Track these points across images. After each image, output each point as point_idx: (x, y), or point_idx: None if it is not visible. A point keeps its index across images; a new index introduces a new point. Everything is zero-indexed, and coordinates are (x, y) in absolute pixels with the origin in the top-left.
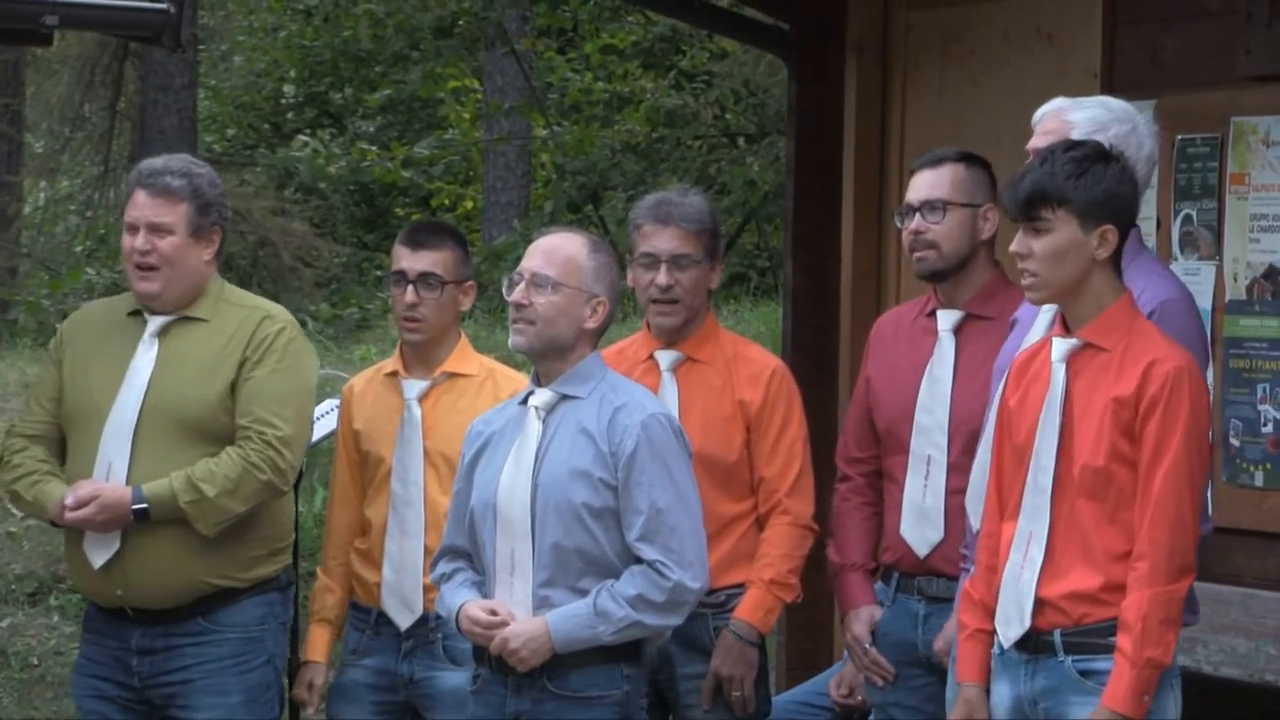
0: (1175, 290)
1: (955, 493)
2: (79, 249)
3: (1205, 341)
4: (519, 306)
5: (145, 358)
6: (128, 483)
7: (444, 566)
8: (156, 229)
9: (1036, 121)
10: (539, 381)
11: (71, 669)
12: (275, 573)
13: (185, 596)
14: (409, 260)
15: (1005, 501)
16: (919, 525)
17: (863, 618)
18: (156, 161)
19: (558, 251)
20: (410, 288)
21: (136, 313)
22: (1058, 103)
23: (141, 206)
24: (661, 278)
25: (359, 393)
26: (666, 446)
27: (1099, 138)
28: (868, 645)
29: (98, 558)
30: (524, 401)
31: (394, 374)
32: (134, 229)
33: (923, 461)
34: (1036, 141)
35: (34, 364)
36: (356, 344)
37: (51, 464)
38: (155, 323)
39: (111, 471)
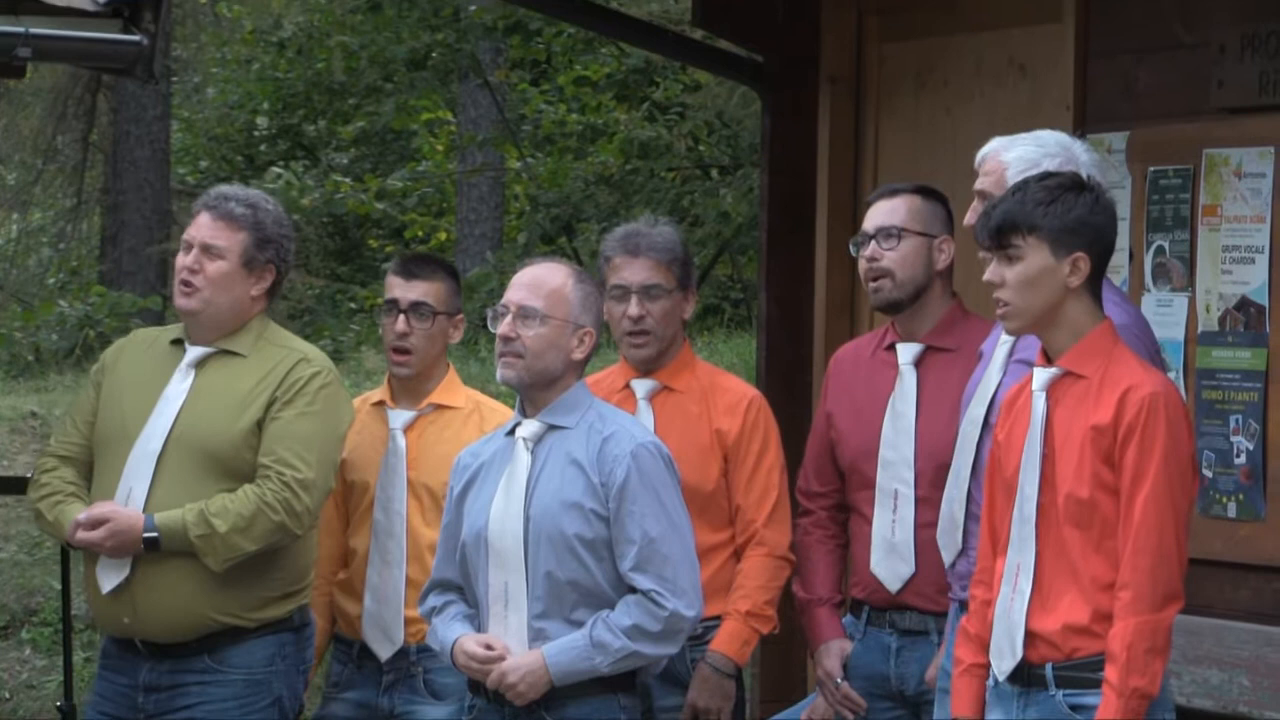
0: (1127, 316)
1: (924, 526)
2: (51, 281)
3: (1162, 363)
4: (506, 340)
5: (179, 387)
6: (146, 510)
7: (434, 600)
8: (209, 250)
9: (978, 164)
10: (525, 412)
11: (44, 703)
12: (287, 614)
13: (191, 631)
14: (402, 289)
15: (997, 536)
16: (889, 560)
17: (833, 652)
18: (227, 188)
19: (543, 283)
20: (402, 317)
21: (179, 342)
22: (994, 144)
23: (201, 226)
24: (633, 309)
25: None
26: (657, 475)
27: (1031, 175)
28: (839, 680)
29: (107, 582)
30: (511, 432)
31: (381, 403)
32: (188, 247)
33: (890, 497)
34: (979, 184)
35: (6, 395)
36: None
37: (78, 486)
38: (193, 353)
39: (131, 497)
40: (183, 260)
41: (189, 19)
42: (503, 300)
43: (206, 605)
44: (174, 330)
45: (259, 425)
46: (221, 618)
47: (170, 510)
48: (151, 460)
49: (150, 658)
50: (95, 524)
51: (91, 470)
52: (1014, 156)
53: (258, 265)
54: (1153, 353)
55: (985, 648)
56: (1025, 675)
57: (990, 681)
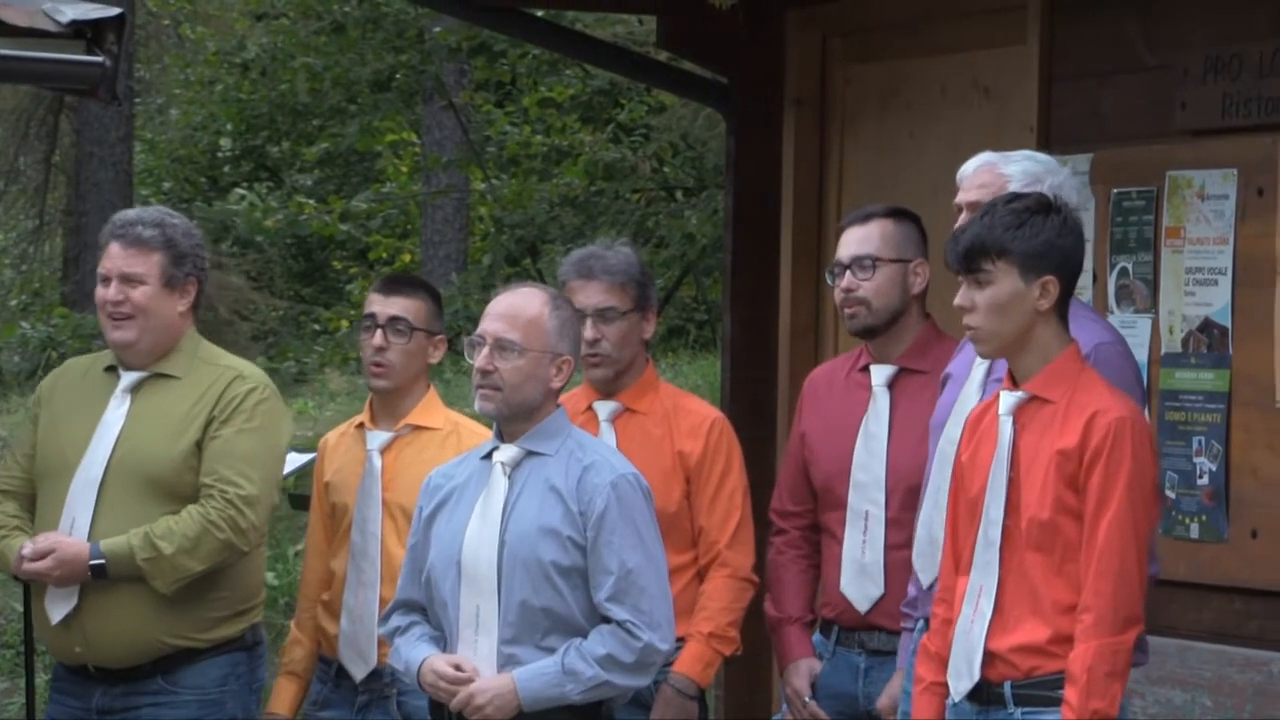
0: (1108, 333)
1: (895, 548)
2: (14, 303)
3: (1142, 383)
4: (484, 373)
5: (116, 414)
6: (90, 538)
7: (398, 620)
8: (128, 279)
9: (964, 176)
10: (502, 436)
11: None
12: (239, 633)
13: (144, 655)
14: (380, 305)
15: (960, 555)
16: (859, 581)
17: (802, 671)
18: (130, 213)
19: (519, 313)
20: (379, 332)
21: (113, 368)
22: (987, 157)
23: (114, 257)
24: (588, 332)
25: (332, 446)
26: (636, 507)
27: (1035, 189)
28: (807, 699)
29: (56, 613)
30: (487, 456)
31: (362, 426)
32: (106, 280)
33: (861, 518)
34: (970, 195)
35: None
36: (293, 398)
37: (22, 519)
38: (128, 379)
39: (75, 527)
40: (104, 294)
41: (152, 40)
42: (479, 330)
43: (157, 629)
44: (106, 357)
45: (198, 446)
46: (173, 640)
47: (116, 536)
48: (93, 488)
49: (103, 682)
50: (40, 555)
51: (34, 503)
52: (1017, 170)
53: (179, 282)
54: (1136, 372)
55: (945, 666)
56: (984, 694)
57: (949, 701)
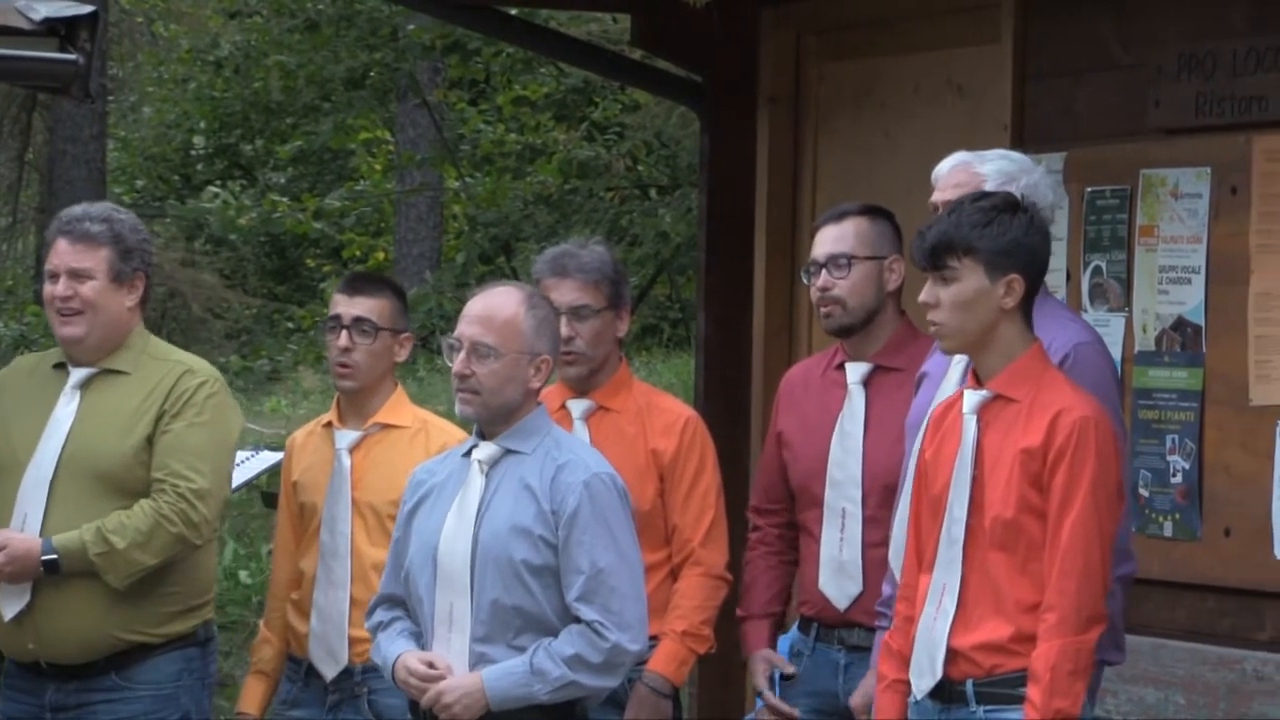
0: (1086, 333)
1: (872, 545)
2: None
3: (1119, 382)
4: (462, 377)
5: (66, 410)
6: (42, 535)
7: (381, 615)
8: (76, 274)
9: (939, 176)
10: (483, 435)
11: None
12: (192, 628)
13: (97, 651)
14: (345, 306)
15: (923, 553)
16: (837, 579)
17: (758, 662)
18: (76, 209)
19: (495, 315)
20: (344, 332)
21: (62, 365)
22: (962, 156)
23: (62, 253)
24: (562, 330)
25: (300, 445)
26: (609, 506)
27: (1009, 188)
28: (765, 690)
29: (8, 609)
30: (467, 454)
31: (330, 425)
32: (54, 276)
33: (838, 515)
34: (945, 195)
35: None
36: (267, 396)
37: None
38: (77, 375)
39: (26, 523)
40: (53, 290)
41: (126, 38)
42: (455, 333)
43: (111, 624)
44: (55, 354)
45: (149, 441)
46: (127, 636)
47: (68, 532)
48: (44, 485)
49: (55, 678)
50: None
51: None
52: (992, 169)
53: (126, 276)
54: (1114, 372)
55: (908, 664)
56: (946, 692)
57: (911, 699)
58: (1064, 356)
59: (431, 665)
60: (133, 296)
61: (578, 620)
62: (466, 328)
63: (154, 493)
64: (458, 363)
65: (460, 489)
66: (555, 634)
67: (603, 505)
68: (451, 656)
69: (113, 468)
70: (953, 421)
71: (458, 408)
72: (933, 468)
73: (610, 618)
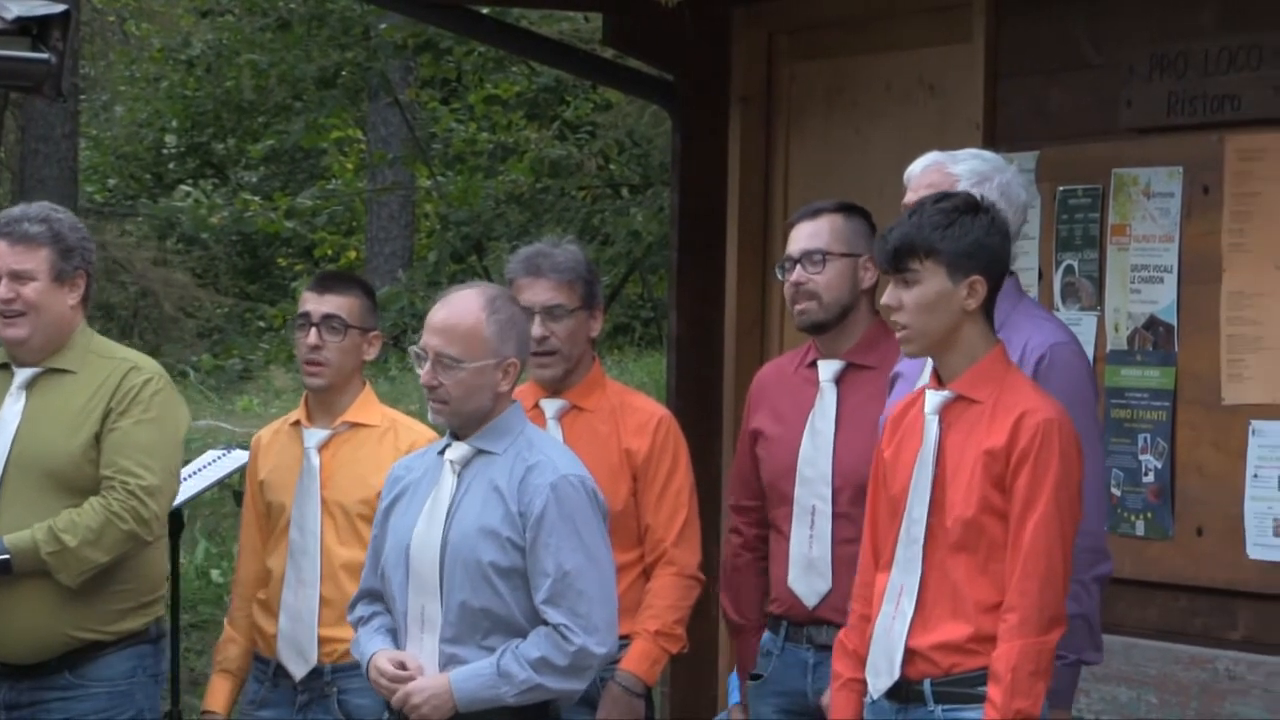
0: (1063, 333)
1: (842, 543)
2: None
3: (1095, 382)
4: (430, 388)
5: (12, 411)
6: None
7: (362, 609)
8: (18, 276)
9: (912, 177)
10: (456, 435)
11: None
12: (144, 626)
13: (50, 650)
14: (314, 303)
15: (879, 553)
16: (807, 576)
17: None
18: (14, 210)
19: (457, 325)
20: (314, 330)
21: (5, 366)
22: (934, 156)
23: (2, 255)
24: (536, 329)
25: (266, 443)
26: (577, 508)
27: (983, 188)
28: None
29: None
30: (442, 451)
31: (298, 423)
32: None
33: (808, 512)
34: (919, 195)
35: None
36: (238, 395)
37: None
38: (22, 375)
39: None
40: None
41: (97, 37)
42: (421, 343)
43: (64, 623)
44: None
45: (97, 438)
46: (80, 634)
47: (19, 532)
48: None
49: (8, 677)
50: None
51: None
52: (965, 169)
53: (68, 276)
54: (1090, 372)
55: (863, 663)
56: (903, 691)
57: (867, 698)
58: (1040, 356)
59: (403, 666)
60: (75, 295)
61: (545, 623)
62: (430, 338)
63: (104, 490)
64: (424, 374)
65: (433, 490)
66: (524, 635)
67: (570, 507)
68: (423, 656)
69: (62, 466)
70: (912, 421)
71: (430, 416)
72: (891, 468)
73: (577, 620)
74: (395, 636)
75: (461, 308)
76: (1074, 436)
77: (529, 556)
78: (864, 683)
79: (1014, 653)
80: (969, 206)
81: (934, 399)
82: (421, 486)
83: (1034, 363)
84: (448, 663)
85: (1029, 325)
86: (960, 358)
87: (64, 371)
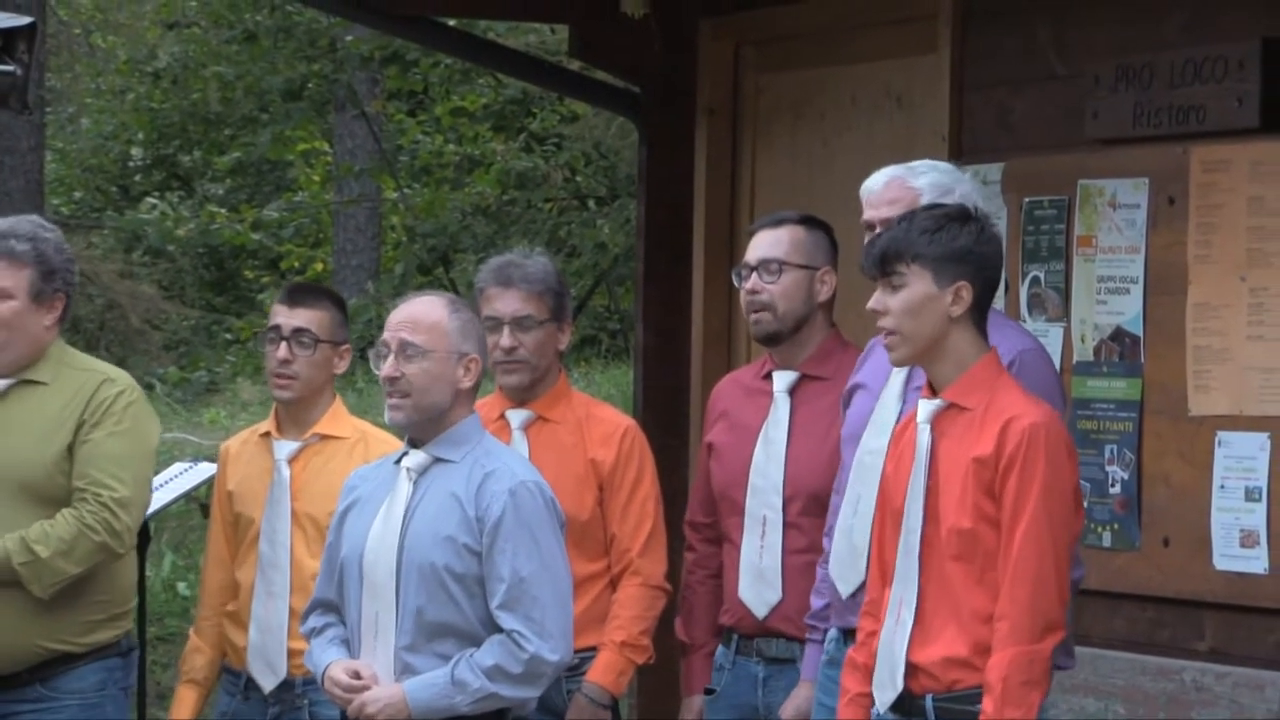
0: (1029, 340)
1: (793, 553)
2: None
3: (1062, 388)
4: (391, 380)
5: None
6: None
7: (315, 620)
8: None
9: (871, 192)
10: (414, 442)
11: None
12: (115, 638)
13: (21, 662)
14: (285, 317)
15: (885, 568)
16: (757, 586)
17: (695, 707)
18: (2, 224)
19: (420, 319)
20: (284, 344)
21: None
22: (893, 171)
23: None
24: (505, 339)
25: (234, 454)
26: (534, 514)
27: (946, 200)
28: None
29: None
30: (399, 461)
31: (267, 435)
32: None
33: (759, 522)
34: (880, 213)
35: None
36: (205, 407)
37: None
38: None
39: None
40: None
41: (64, 49)
42: (381, 339)
43: (34, 634)
44: None
45: (69, 450)
46: (51, 645)
47: None
48: None
49: None
50: None
51: None
52: (926, 183)
53: (47, 297)
54: (1057, 378)
55: (871, 678)
56: (906, 706)
57: (874, 711)
58: (1009, 363)
59: (357, 675)
60: (51, 315)
61: (500, 629)
62: (393, 332)
63: (76, 501)
64: (386, 366)
65: (388, 497)
66: (480, 643)
67: (527, 513)
68: (377, 664)
69: (33, 477)
70: (912, 434)
71: (387, 415)
72: (894, 482)
73: (531, 626)
74: (349, 647)
75: (424, 305)
76: (1062, 440)
77: (485, 562)
78: (871, 697)
79: (1005, 662)
80: (960, 215)
81: (926, 408)
82: (377, 495)
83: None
84: (403, 671)
85: (995, 334)
86: (950, 366)
87: (37, 383)
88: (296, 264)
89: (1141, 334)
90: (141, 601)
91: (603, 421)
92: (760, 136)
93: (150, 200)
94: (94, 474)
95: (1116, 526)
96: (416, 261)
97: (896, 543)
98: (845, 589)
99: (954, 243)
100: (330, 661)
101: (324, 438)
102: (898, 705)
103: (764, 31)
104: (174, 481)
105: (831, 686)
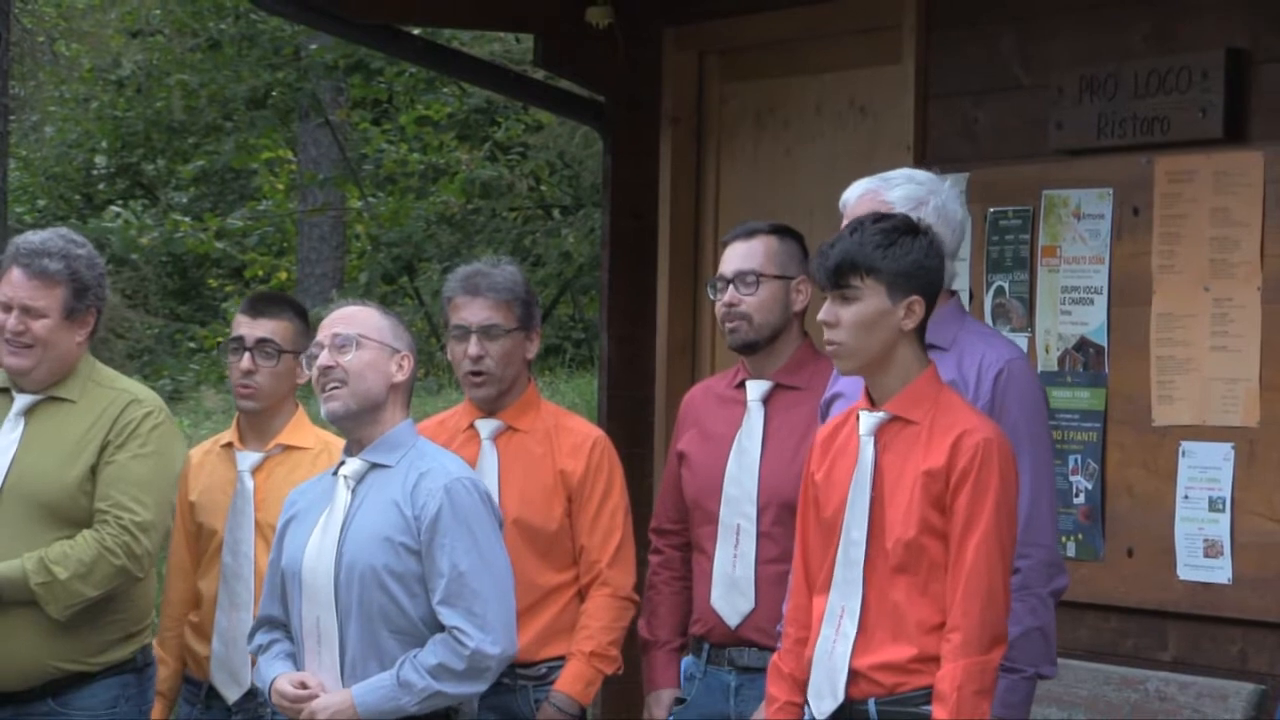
0: (1015, 349)
1: (766, 562)
2: None
3: (1045, 396)
4: (326, 370)
5: (9, 437)
6: None
7: (261, 638)
8: (29, 311)
9: (847, 204)
10: (350, 451)
11: None
12: (129, 655)
13: (34, 680)
14: (247, 327)
15: (813, 575)
16: (729, 595)
17: (663, 701)
18: (35, 239)
19: (354, 316)
20: (247, 355)
21: (5, 390)
22: (867, 184)
23: (16, 286)
24: (472, 348)
25: (196, 464)
26: (470, 510)
27: (919, 212)
28: None
29: None
30: (336, 471)
31: (230, 445)
32: (7, 307)
33: (732, 531)
34: None
35: None
36: None
37: None
38: (21, 401)
39: None
40: (3, 320)
41: (27, 57)
42: (314, 342)
43: (48, 653)
44: None
45: (93, 470)
46: (64, 665)
47: (9, 560)
48: None
49: None
50: None
51: None
52: (899, 195)
53: (79, 314)
54: (1042, 387)
55: (800, 686)
56: (848, 712)
57: (807, 718)
58: (999, 371)
59: (304, 685)
60: (83, 332)
61: (442, 627)
62: (325, 331)
63: (97, 524)
64: (321, 357)
65: (327, 506)
66: (424, 642)
67: (464, 509)
68: (322, 672)
69: (56, 497)
70: (843, 442)
71: (324, 407)
72: (824, 490)
73: (472, 621)
74: (294, 661)
75: (355, 307)
76: (1012, 457)
77: (425, 559)
78: (801, 706)
79: (958, 672)
80: (908, 228)
81: (869, 420)
82: (317, 506)
83: (992, 378)
84: (349, 675)
85: (981, 343)
86: (894, 379)
87: (64, 400)
88: (260, 273)
89: (1106, 344)
90: None
91: (572, 432)
92: (724, 145)
93: (114, 208)
94: (116, 496)
95: (1080, 536)
96: (381, 270)
97: (827, 551)
98: None
99: (908, 257)
100: (276, 676)
101: (287, 448)
102: (838, 714)
103: (728, 41)
104: None
105: None
